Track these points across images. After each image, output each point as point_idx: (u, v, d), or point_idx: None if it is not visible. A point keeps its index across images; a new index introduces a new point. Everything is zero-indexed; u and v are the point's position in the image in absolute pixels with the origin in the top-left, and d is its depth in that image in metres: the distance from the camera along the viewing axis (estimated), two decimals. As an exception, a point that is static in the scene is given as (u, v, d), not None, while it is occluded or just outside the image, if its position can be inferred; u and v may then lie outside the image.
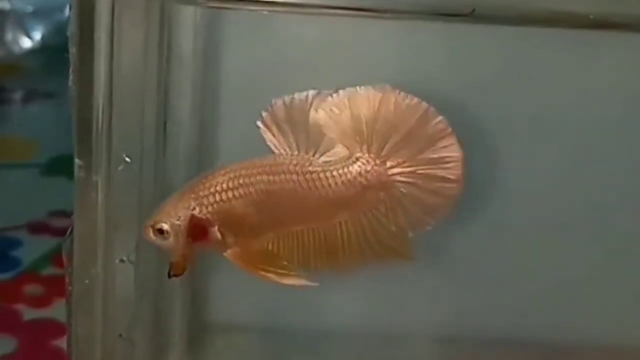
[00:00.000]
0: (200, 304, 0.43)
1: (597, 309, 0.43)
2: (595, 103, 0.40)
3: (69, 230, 0.36)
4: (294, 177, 0.35)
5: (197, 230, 0.35)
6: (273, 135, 0.35)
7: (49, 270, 0.54)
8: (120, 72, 0.35)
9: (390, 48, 0.39)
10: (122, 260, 0.37)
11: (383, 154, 0.34)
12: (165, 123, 0.38)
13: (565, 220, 0.42)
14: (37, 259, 0.56)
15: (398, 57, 0.39)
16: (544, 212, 0.41)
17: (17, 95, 0.76)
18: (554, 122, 0.40)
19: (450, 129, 0.34)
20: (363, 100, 0.34)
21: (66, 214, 0.37)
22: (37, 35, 0.81)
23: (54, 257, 0.55)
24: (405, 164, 0.34)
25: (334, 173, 0.35)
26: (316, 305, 0.43)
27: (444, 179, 0.34)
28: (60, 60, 0.36)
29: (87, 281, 0.36)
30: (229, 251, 0.35)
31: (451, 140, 0.34)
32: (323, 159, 0.35)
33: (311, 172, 0.35)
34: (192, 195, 0.35)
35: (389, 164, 0.35)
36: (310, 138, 0.34)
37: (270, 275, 0.35)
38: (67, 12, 0.35)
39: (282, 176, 0.35)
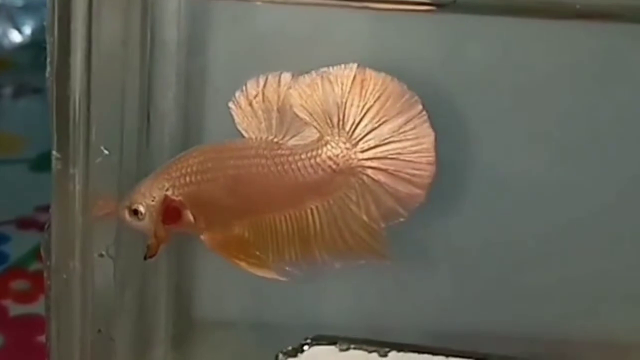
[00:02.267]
0: (186, 299, 0.43)
1: (589, 303, 0.43)
2: (576, 92, 0.39)
3: (47, 224, 0.36)
4: (263, 161, 0.34)
5: (170, 211, 0.35)
6: (244, 116, 0.34)
7: (36, 266, 0.54)
8: (99, 62, 0.34)
9: (374, 37, 0.38)
10: (101, 255, 0.36)
11: (354, 137, 0.34)
12: (148, 114, 0.37)
13: (554, 213, 0.41)
14: (24, 255, 0.56)
15: (383, 47, 0.38)
16: (532, 205, 0.41)
17: (7, 91, 0.76)
18: (535, 112, 0.40)
19: (421, 107, 0.34)
20: (335, 80, 0.34)
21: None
22: (27, 30, 0.80)
23: (41, 253, 0.55)
24: (376, 149, 0.34)
25: (303, 156, 0.34)
26: (304, 300, 0.42)
27: (415, 165, 0.34)
28: (51, 56, 0.35)
29: (65, 276, 0.36)
30: (203, 236, 0.35)
31: (422, 120, 0.34)
32: (293, 142, 0.34)
33: (280, 156, 0.34)
34: (166, 176, 0.35)
35: (359, 147, 0.34)
36: (281, 120, 0.34)
37: (242, 264, 0.35)
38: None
39: (251, 160, 0.34)
